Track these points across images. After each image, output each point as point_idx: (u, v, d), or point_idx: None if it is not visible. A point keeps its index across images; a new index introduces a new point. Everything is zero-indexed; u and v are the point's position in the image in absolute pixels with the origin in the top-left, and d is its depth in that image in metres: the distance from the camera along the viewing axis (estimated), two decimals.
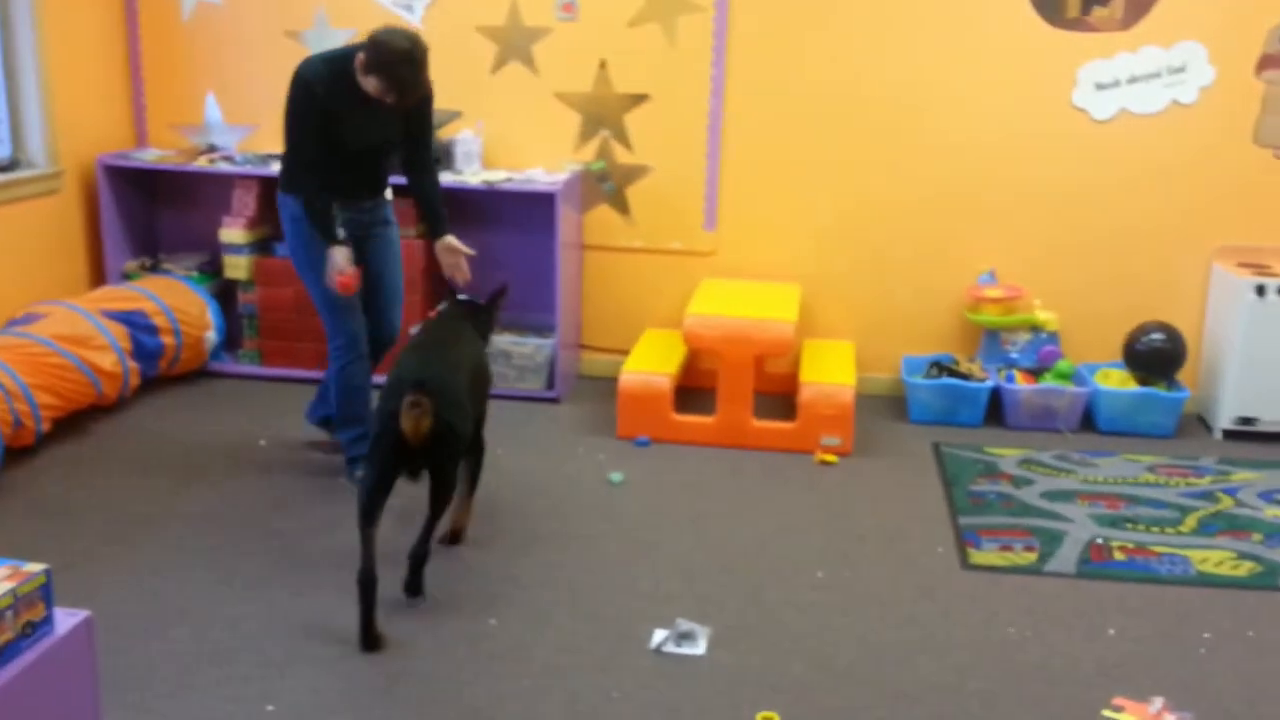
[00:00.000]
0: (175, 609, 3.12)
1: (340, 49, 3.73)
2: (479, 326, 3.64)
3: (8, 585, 1.93)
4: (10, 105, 4.63)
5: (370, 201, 3.90)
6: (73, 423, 4.30)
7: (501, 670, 2.87)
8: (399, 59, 3.45)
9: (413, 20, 4.94)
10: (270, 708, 2.71)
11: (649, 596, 3.25)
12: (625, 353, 4.88)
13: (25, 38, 4.58)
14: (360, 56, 3.54)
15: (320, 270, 3.73)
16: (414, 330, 3.98)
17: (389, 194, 4.03)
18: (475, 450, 3.51)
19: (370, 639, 2.95)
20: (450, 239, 3.84)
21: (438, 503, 3.11)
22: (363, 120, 3.67)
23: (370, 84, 3.53)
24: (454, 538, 3.53)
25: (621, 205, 5.06)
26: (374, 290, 3.96)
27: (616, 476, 4.07)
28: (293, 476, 4.00)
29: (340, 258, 3.65)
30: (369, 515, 2.98)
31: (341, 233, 3.71)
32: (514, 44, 4.92)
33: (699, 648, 2.97)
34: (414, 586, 3.17)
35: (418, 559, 3.16)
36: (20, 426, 3.91)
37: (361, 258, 3.83)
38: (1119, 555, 3.58)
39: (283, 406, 4.59)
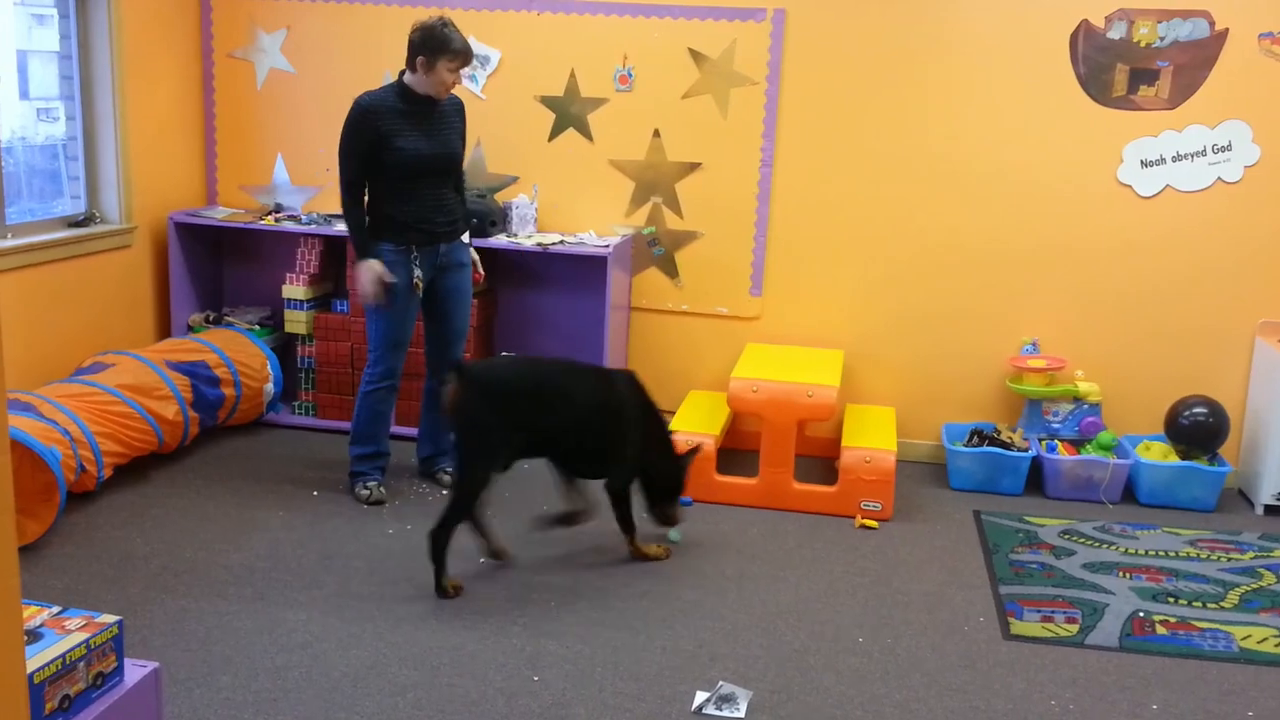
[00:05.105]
0: (221, 657, 3.16)
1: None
2: None
3: (82, 636, 1.98)
4: (88, 166, 4.83)
5: (446, 245, 4.21)
6: (132, 469, 4.42)
7: None
8: (438, 24, 3.90)
9: (475, 90, 5.12)
10: None
11: (691, 656, 3.28)
12: (670, 413, 4.95)
13: (105, 103, 4.78)
14: (415, 63, 3.95)
15: (388, 310, 4.11)
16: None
17: (466, 237, 4.34)
18: None
19: None
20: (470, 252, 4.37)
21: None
22: (416, 135, 4.03)
23: (443, 70, 3.93)
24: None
25: (670, 269, 5.16)
26: (441, 326, 4.31)
27: (675, 534, 4.11)
28: (342, 529, 4.09)
29: (373, 270, 4.03)
30: None
31: (418, 273, 4.10)
32: (571, 113, 5.07)
33: (740, 710, 3.00)
34: None
35: None
36: (83, 472, 4.01)
37: (433, 294, 4.21)
38: (1161, 629, 3.58)
39: (336, 459, 4.68)
